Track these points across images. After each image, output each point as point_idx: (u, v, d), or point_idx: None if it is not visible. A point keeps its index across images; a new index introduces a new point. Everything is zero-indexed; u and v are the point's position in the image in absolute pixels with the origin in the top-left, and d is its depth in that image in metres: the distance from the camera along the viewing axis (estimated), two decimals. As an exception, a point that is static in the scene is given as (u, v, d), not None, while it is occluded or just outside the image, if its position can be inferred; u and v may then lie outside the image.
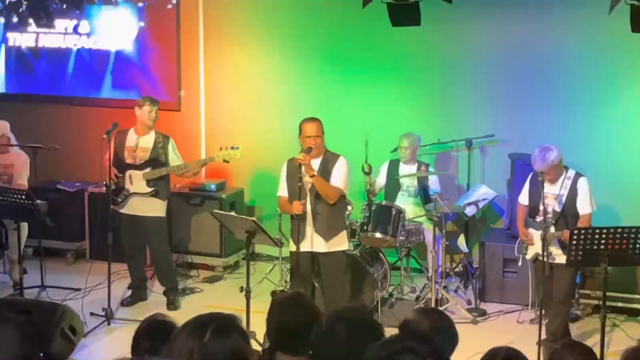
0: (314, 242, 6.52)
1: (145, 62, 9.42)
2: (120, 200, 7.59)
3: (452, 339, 3.16)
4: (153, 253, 7.82)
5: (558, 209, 6.55)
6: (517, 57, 8.41)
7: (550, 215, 6.51)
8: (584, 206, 6.54)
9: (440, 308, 7.03)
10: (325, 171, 6.48)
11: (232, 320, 2.64)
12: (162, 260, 7.80)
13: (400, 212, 7.42)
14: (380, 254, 7.68)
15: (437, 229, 7.47)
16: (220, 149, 7.46)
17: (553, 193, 6.57)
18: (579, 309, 7.61)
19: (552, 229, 6.54)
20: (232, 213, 6.84)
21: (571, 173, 6.59)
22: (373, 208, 7.41)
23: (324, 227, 6.51)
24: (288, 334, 3.43)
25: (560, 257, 6.48)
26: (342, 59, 8.90)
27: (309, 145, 6.42)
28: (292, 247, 6.57)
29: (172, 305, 7.69)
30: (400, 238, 7.47)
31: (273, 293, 7.28)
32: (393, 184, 8.15)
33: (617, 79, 8.14)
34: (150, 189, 7.56)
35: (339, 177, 6.50)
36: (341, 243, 6.65)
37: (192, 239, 8.76)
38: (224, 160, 7.45)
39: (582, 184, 6.55)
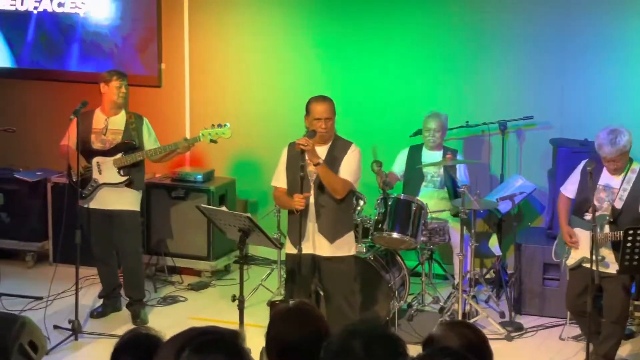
0: (315, 244, 6.51)
1: (120, 29, 9.39)
2: (87, 193, 7.56)
3: (486, 357, 3.14)
4: (123, 254, 7.78)
5: (618, 206, 6.47)
6: (560, 28, 8.38)
7: (607, 213, 6.45)
8: None
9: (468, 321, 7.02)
10: (334, 160, 6.44)
11: (219, 336, 2.60)
12: (133, 264, 7.77)
13: (421, 207, 7.40)
14: (398, 257, 7.67)
15: (465, 228, 7.46)
16: (205, 127, 7.43)
17: (613, 187, 6.52)
18: (633, 324, 7.59)
19: (607, 229, 6.50)
20: (223, 208, 6.82)
21: (637, 166, 6.51)
22: (389, 203, 7.39)
23: (329, 226, 6.48)
24: (291, 352, 3.42)
25: (614, 266, 6.43)
26: (350, 28, 8.89)
27: (315, 129, 6.38)
28: (290, 248, 6.55)
29: (139, 319, 7.67)
30: (422, 238, 7.45)
31: (271, 304, 7.26)
32: (415, 174, 8.13)
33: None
34: (123, 178, 7.54)
35: (349, 168, 6.45)
36: (348, 246, 6.63)
37: (175, 239, 8.75)
38: (211, 141, 7.41)
39: None
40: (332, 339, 2.86)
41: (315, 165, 6.29)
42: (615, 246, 6.40)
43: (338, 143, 6.51)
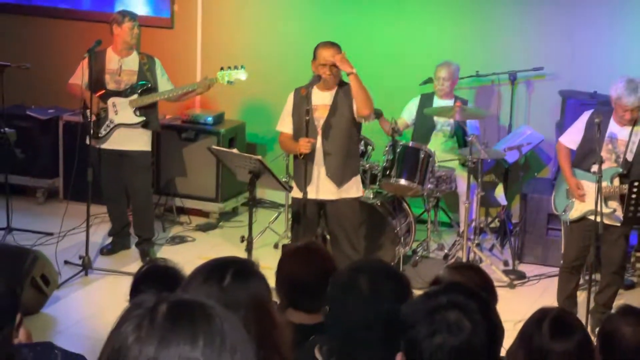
0: (320, 188, 6.61)
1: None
2: (103, 132, 7.64)
3: (493, 299, 3.25)
4: (135, 193, 7.87)
5: (629, 159, 6.46)
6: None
7: (615, 165, 6.46)
8: None
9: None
10: (340, 105, 6.52)
11: (251, 264, 2.74)
12: (144, 203, 7.89)
13: (429, 155, 7.48)
14: (404, 204, 7.77)
15: (471, 176, 7.54)
16: (222, 68, 7.49)
17: (620, 138, 6.51)
18: (635, 275, 7.70)
19: (617, 181, 6.49)
20: (234, 150, 6.91)
21: None
22: (398, 150, 7.47)
23: (337, 169, 6.59)
24: (301, 289, 3.54)
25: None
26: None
27: (320, 74, 6.46)
28: (296, 192, 6.67)
29: (148, 257, 7.76)
30: (429, 186, 7.55)
31: (284, 246, 7.40)
32: (425, 122, 8.19)
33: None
34: (139, 119, 7.62)
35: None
36: (354, 189, 6.74)
37: (183, 180, 8.84)
38: (228, 82, 7.47)
39: None
40: (338, 274, 2.97)
41: (348, 74, 6.38)
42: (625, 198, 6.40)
43: (343, 88, 6.57)
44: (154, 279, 3.17)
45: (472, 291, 2.23)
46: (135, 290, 3.23)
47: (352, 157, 6.70)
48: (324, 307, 2.93)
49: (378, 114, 7.59)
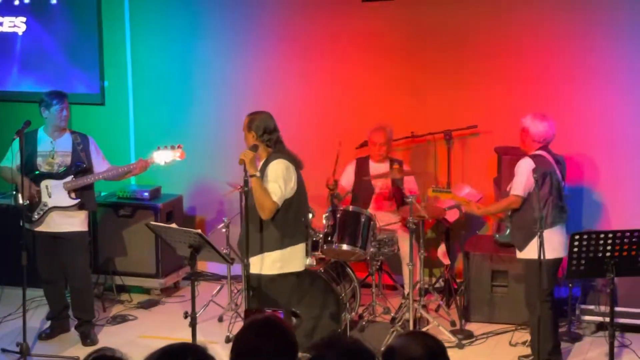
0: (253, 261, 6.52)
1: (60, 46, 9.35)
2: (36, 216, 7.50)
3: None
4: (73, 275, 7.73)
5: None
6: (501, 38, 8.52)
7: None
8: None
9: (420, 331, 7.10)
10: (262, 176, 6.46)
11: (204, 349, 2.68)
12: (82, 284, 7.74)
13: (370, 219, 7.49)
14: (348, 269, 7.74)
15: (413, 238, 7.55)
16: (158, 148, 7.45)
17: None
18: (580, 327, 7.75)
19: None
20: (173, 225, 6.83)
21: None
22: (338, 215, 7.46)
23: (255, 242, 6.47)
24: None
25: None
26: (294, 39, 8.96)
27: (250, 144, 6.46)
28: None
29: (89, 339, 7.63)
30: (371, 250, 7.53)
31: (246, 312, 7.29)
32: (364, 186, 8.22)
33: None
34: (74, 201, 7.51)
35: (269, 181, 6.37)
36: (277, 264, 6.52)
37: (122, 257, 8.72)
38: (166, 163, 7.44)
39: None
40: (309, 349, 2.91)
41: (250, 177, 6.34)
42: None
43: (269, 159, 6.52)
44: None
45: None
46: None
47: (267, 230, 6.47)
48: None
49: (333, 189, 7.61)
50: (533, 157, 6.84)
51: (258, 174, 6.35)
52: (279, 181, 6.37)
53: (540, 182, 6.75)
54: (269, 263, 6.50)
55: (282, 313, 5.81)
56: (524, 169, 6.81)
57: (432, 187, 7.25)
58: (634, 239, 6.12)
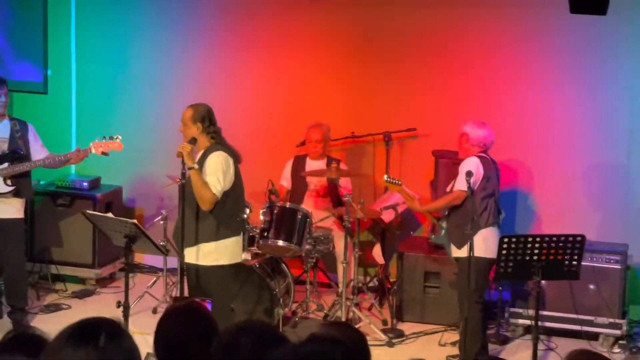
0: (189, 252, 6.56)
1: (5, 34, 9.31)
2: (-29, 202, 7.48)
3: (364, 355, 3.29)
4: (7, 262, 7.73)
5: None
6: (443, 43, 8.64)
7: None
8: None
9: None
10: (200, 167, 6.48)
11: (118, 322, 2.74)
12: (16, 271, 7.74)
13: (306, 216, 7.57)
14: (283, 264, 7.82)
15: (349, 236, 7.65)
16: (97, 138, 7.46)
17: None
18: (509, 330, 7.90)
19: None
20: (109, 214, 6.86)
21: None
22: (275, 211, 7.54)
23: (191, 232, 6.50)
24: (179, 349, 3.51)
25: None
26: (238, 36, 9.03)
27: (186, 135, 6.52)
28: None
29: (21, 327, 7.63)
30: (307, 247, 7.62)
31: (173, 298, 7.31)
32: (299, 184, 8.31)
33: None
34: (9, 188, 7.49)
35: (208, 174, 6.41)
36: (213, 255, 6.54)
37: (59, 247, 8.70)
38: (103, 153, 7.44)
39: None
40: (222, 334, 2.98)
41: (188, 169, 6.39)
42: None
43: (208, 151, 6.55)
44: (19, 348, 3.10)
45: (334, 340, 2.28)
46: (-1, 359, 3.17)
47: (204, 221, 6.52)
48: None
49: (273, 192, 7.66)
50: (479, 157, 6.96)
51: (196, 166, 6.40)
52: (217, 173, 6.41)
53: (485, 182, 6.89)
54: (204, 253, 6.53)
55: (210, 302, 5.85)
56: (471, 166, 6.89)
57: (386, 176, 7.34)
58: (560, 244, 6.29)
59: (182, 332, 3.51)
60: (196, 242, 6.51)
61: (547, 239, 6.29)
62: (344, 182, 8.24)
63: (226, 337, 2.91)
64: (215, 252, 6.54)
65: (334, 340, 2.26)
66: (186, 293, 6.60)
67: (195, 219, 6.50)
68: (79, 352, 2.55)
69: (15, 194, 7.52)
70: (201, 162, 6.48)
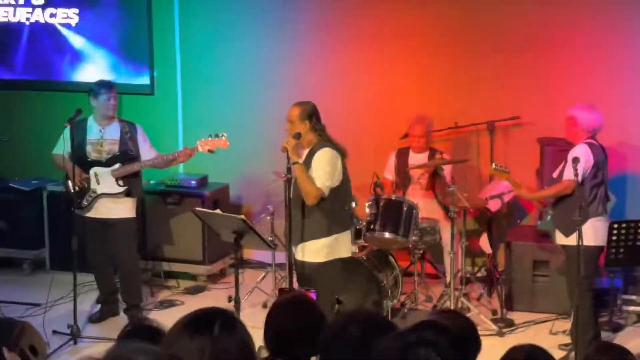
0: (297, 248, 6.62)
1: (112, 37, 9.54)
2: (85, 203, 7.69)
3: (474, 342, 3.29)
4: (120, 260, 7.92)
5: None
6: (544, 30, 8.54)
7: None
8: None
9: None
10: (308, 164, 6.53)
11: (232, 313, 2.81)
12: (130, 269, 7.93)
13: (412, 207, 7.57)
14: (390, 257, 7.84)
15: (455, 227, 7.62)
16: (204, 137, 7.59)
17: None
18: (621, 317, 7.77)
19: None
20: (218, 211, 6.97)
21: None
22: (381, 204, 7.55)
23: (297, 230, 6.56)
24: (288, 339, 3.59)
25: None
26: (339, 33, 9.08)
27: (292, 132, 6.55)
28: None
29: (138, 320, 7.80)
30: (413, 238, 7.62)
31: (279, 290, 7.40)
32: (403, 177, 8.31)
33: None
34: (121, 188, 7.68)
35: (315, 169, 6.45)
36: (316, 253, 6.57)
37: (170, 244, 8.88)
38: (209, 151, 7.56)
39: None
40: (332, 323, 3.03)
41: (293, 164, 6.44)
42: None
43: (315, 147, 6.60)
44: (140, 337, 3.20)
45: (442, 327, 2.29)
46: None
47: (315, 216, 6.55)
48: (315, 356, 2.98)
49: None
50: (589, 144, 6.83)
51: (301, 160, 6.46)
52: (325, 168, 6.45)
53: (595, 170, 6.78)
54: (315, 250, 6.57)
55: (314, 292, 5.92)
56: (580, 154, 6.76)
57: (493, 164, 7.28)
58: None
59: (290, 322, 3.58)
60: (308, 238, 6.55)
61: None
62: (448, 173, 8.19)
63: (335, 325, 2.96)
64: (328, 247, 6.57)
65: (441, 327, 2.27)
66: (296, 286, 6.69)
67: (304, 216, 6.54)
68: (195, 340, 2.63)
69: (127, 194, 7.71)
70: (309, 159, 6.53)
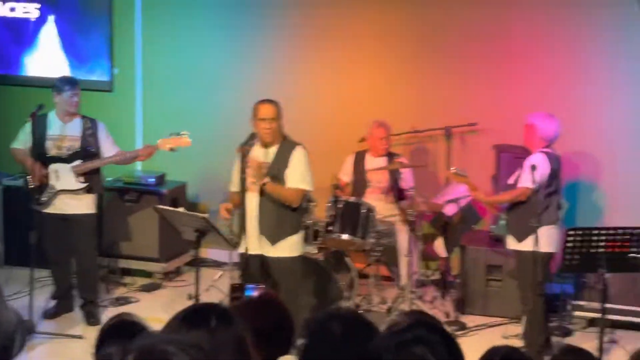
0: (262, 244, 6.73)
1: (72, 34, 9.49)
2: (45, 199, 7.65)
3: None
4: (80, 256, 7.86)
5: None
6: (504, 38, 8.66)
7: None
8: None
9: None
10: (282, 162, 6.65)
11: (229, 309, 2.83)
12: (88, 265, 7.89)
13: (370, 210, 7.64)
14: (347, 258, 7.90)
15: (412, 230, 7.70)
16: (167, 135, 7.57)
17: None
18: (571, 323, 7.90)
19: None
20: (181, 209, 6.98)
21: None
22: (339, 206, 7.62)
23: (271, 227, 6.69)
24: (256, 339, 3.60)
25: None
26: (301, 35, 9.12)
27: (259, 130, 6.61)
28: (242, 247, 6.78)
29: (93, 319, 7.76)
30: (370, 240, 7.68)
31: (231, 287, 7.43)
32: (360, 180, 8.37)
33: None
34: (82, 185, 7.64)
35: (298, 172, 6.66)
36: (291, 248, 6.82)
37: (127, 241, 8.86)
38: (171, 149, 7.55)
39: None
40: (311, 321, 3.06)
41: (262, 186, 6.54)
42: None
43: (285, 144, 6.71)
44: (121, 334, 3.19)
45: (436, 326, 2.34)
46: (101, 344, 3.25)
47: (287, 215, 6.76)
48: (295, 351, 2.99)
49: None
50: (546, 153, 6.93)
51: (267, 179, 6.58)
52: (307, 167, 6.73)
53: (550, 179, 6.90)
54: (290, 245, 6.80)
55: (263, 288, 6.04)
56: (537, 162, 6.85)
57: (454, 168, 7.36)
58: (626, 236, 6.29)
59: (258, 322, 3.60)
60: (284, 235, 6.71)
61: (612, 231, 6.30)
62: (407, 177, 8.27)
63: (316, 323, 2.98)
64: (298, 243, 6.84)
65: (433, 325, 2.32)
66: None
67: (276, 214, 6.68)
68: (192, 334, 2.64)
69: (88, 190, 7.67)
70: (282, 156, 6.64)
